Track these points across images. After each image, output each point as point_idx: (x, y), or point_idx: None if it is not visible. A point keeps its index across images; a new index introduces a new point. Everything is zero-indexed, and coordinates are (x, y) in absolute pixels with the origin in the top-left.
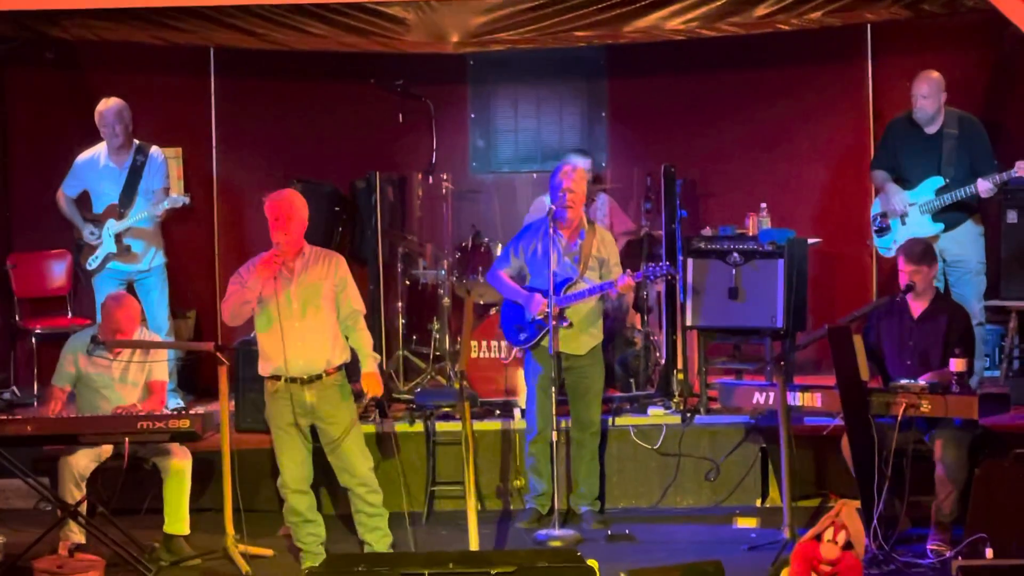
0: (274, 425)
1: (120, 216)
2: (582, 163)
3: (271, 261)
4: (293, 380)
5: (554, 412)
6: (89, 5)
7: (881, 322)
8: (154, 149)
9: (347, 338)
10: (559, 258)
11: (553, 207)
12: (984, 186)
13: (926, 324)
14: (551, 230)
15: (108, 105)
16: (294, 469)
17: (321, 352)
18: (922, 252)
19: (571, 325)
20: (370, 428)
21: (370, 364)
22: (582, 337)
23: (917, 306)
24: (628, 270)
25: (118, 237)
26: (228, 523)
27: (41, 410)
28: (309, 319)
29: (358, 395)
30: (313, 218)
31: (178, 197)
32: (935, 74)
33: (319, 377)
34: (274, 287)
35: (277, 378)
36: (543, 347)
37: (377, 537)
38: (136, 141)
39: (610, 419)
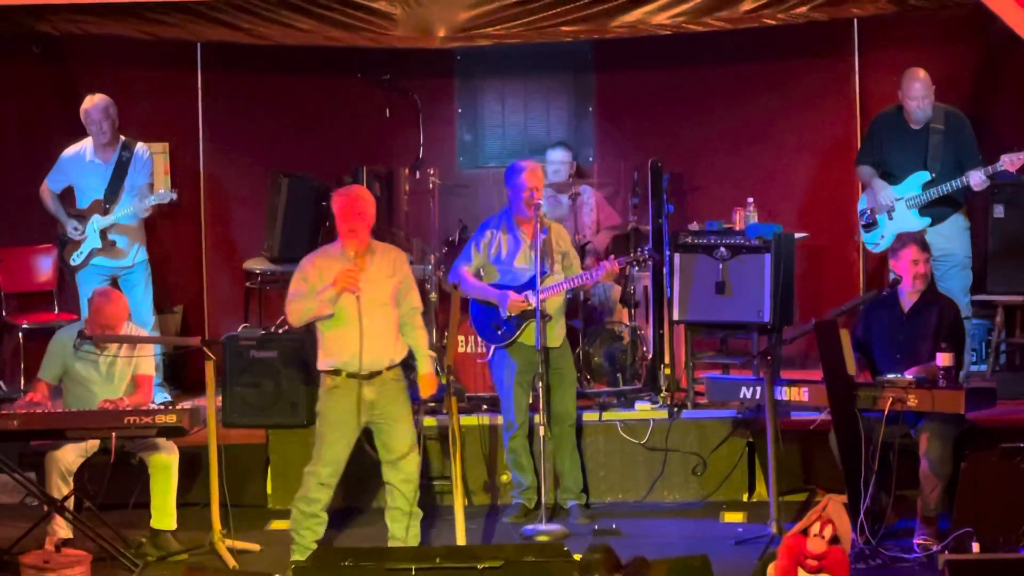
0: (326, 419)
1: (105, 212)
2: (564, 156)
3: (349, 283)
4: (353, 376)
5: (528, 407)
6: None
7: (871, 316)
8: (140, 145)
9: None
10: (524, 254)
11: (530, 204)
12: (977, 179)
13: (917, 318)
14: (516, 229)
15: (94, 102)
16: (332, 463)
17: (385, 349)
18: (924, 241)
19: (550, 319)
20: None
21: (427, 364)
22: (555, 330)
23: (908, 300)
24: (612, 255)
25: (103, 233)
26: (215, 518)
27: (22, 398)
28: (376, 316)
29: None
30: (300, 213)
31: (165, 193)
32: (923, 72)
33: (379, 373)
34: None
35: (338, 373)
36: (519, 343)
37: (413, 536)
38: (122, 137)
39: (598, 414)
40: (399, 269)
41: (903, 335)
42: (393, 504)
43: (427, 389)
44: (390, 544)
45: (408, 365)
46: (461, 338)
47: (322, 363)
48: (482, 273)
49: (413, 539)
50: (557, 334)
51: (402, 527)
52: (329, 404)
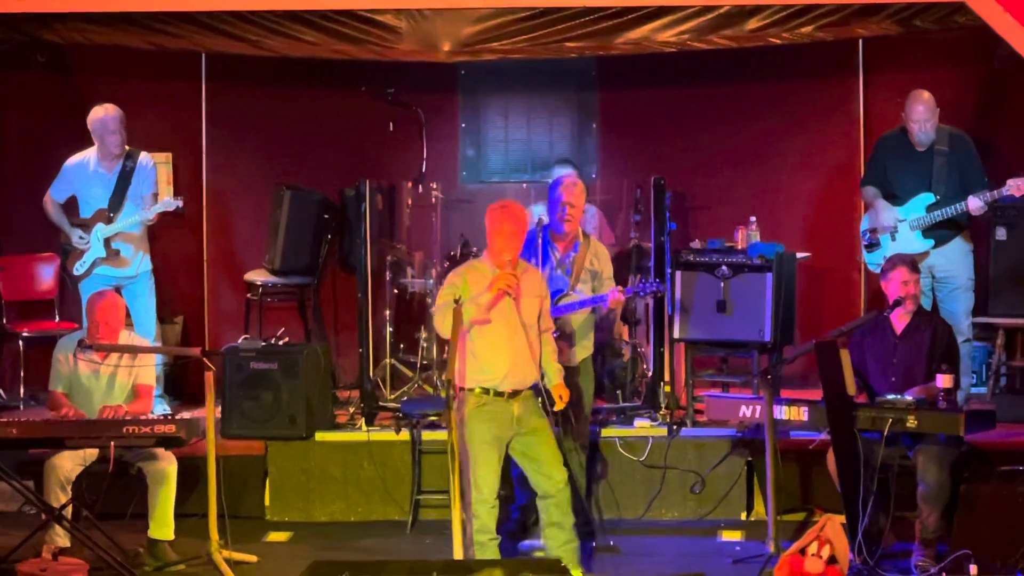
0: (476, 440)
1: (109, 221)
2: (570, 174)
3: (508, 284)
4: (501, 394)
5: None
6: (81, 9)
7: (864, 339)
8: (143, 155)
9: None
10: (551, 270)
11: (544, 219)
12: (975, 204)
13: (910, 340)
14: (541, 241)
15: (110, 112)
16: (493, 483)
17: (531, 367)
18: (915, 262)
19: (559, 335)
20: (362, 436)
21: (557, 376)
22: (574, 348)
23: (900, 322)
24: (618, 286)
25: (107, 241)
26: (212, 529)
27: (51, 415)
28: (527, 334)
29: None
30: (302, 226)
31: (170, 200)
32: (927, 94)
33: (522, 392)
34: (509, 298)
35: (486, 391)
36: None
37: (568, 551)
38: (126, 147)
39: (598, 430)
40: (542, 287)
41: (896, 357)
42: (548, 520)
43: (564, 398)
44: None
45: None
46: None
47: (470, 381)
48: None
49: (568, 555)
50: (575, 353)
51: (558, 544)
52: (480, 423)
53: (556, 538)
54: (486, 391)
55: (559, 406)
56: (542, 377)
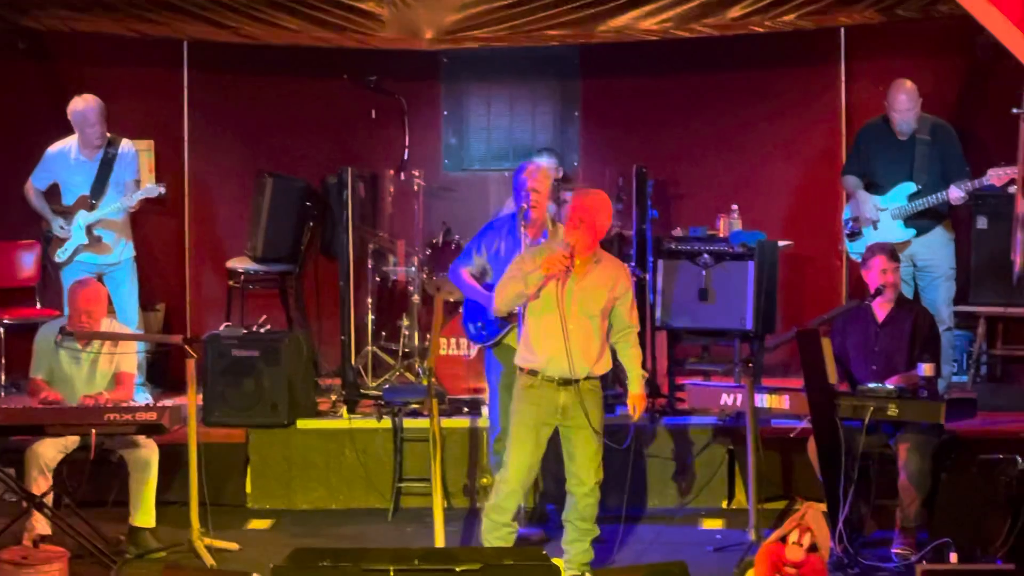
0: (518, 421)
1: (91, 208)
2: (549, 162)
3: (558, 262)
4: (550, 380)
5: None
6: None
7: (846, 328)
8: (124, 142)
9: (616, 351)
10: None
11: (523, 206)
12: (956, 194)
13: (891, 328)
14: (520, 229)
15: (90, 104)
16: (522, 469)
17: (583, 359)
18: (894, 251)
19: None
20: (344, 423)
21: (638, 385)
22: None
23: (881, 311)
24: None
25: (88, 228)
26: (194, 516)
27: (30, 402)
28: (581, 323)
29: None
30: (284, 213)
31: (152, 187)
32: (909, 83)
33: (576, 382)
34: (558, 283)
35: (535, 374)
36: (505, 344)
37: (578, 551)
38: (108, 135)
39: None
40: (619, 285)
41: (878, 345)
42: (567, 517)
43: (638, 410)
44: (565, 558)
45: None
46: (443, 340)
47: (521, 360)
48: (487, 271)
49: (578, 555)
50: None
51: (570, 541)
52: (524, 404)
53: (569, 534)
54: (534, 373)
55: (634, 417)
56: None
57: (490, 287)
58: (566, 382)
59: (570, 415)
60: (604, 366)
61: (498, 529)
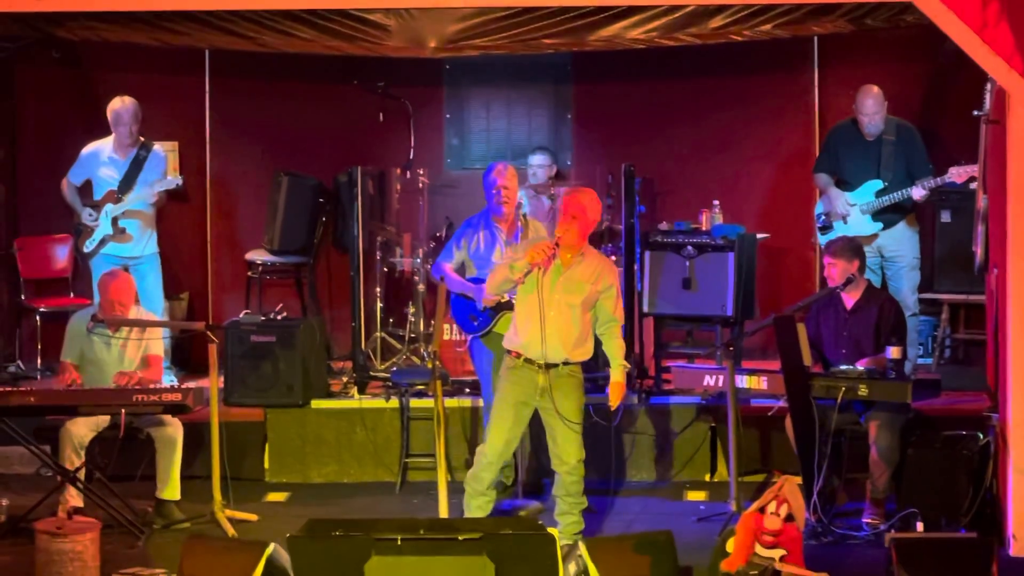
0: (501, 395)
1: (117, 200)
2: (544, 160)
3: (541, 252)
4: (530, 362)
5: None
6: (92, 8)
7: (820, 314)
8: (156, 146)
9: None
10: (501, 250)
11: (500, 202)
12: (919, 192)
13: (859, 315)
14: (493, 226)
15: (126, 105)
16: (499, 444)
17: (560, 347)
18: (840, 247)
19: None
20: (354, 403)
21: (619, 374)
22: None
23: (850, 298)
24: None
25: (114, 220)
26: (216, 490)
27: (55, 382)
28: (561, 311)
29: None
30: (299, 209)
31: (171, 179)
32: (876, 89)
33: (555, 366)
34: (541, 271)
35: (517, 355)
36: (495, 333)
37: (568, 522)
38: (141, 138)
39: None
40: (603, 279)
41: (847, 331)
42: (555, 492)
43: (616, 397)
44: (560, 531)
45: None
46: (446, 326)
47: (508, 342)
48: (467, 267)
49: (569, 526)
50: None
51: (559, 513)
52: (507, 382)
53: (559, 507)
54: (517, 355)
55: (612, 405)
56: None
57: (475, 280)
58: (548, 366)
59: (550, 396)
60: (584, 354)
61: (476, 497)
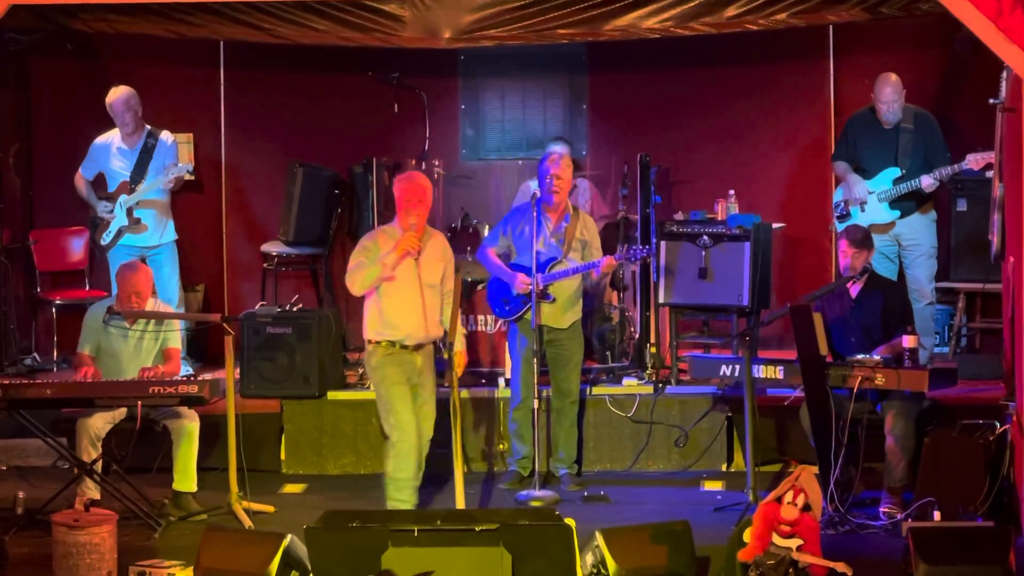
0: (389, 383)
1: (131, 191)
2: (562, 149)
3: (411, 245)
4: (406, 347)
5: (536, 382)
6: (107, 0)
7: (825, 304)
8: (164, 133)
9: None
10: (545, 239)
11: (538, 192)
12: (927, 181)
13: (864, 303)
14: (535, 213)
15: (116, 96)
16: (412, 420)
17: (433, 325)
18: (861, 238)
19: (554, 300)
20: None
21: (461, 342)
22: (565, 313)
23: (854, 288)
24: (612, 253)
25: (129, 210)
26: (232, 481)
27: (73, 374)
28: (429, 294)
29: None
30: (314, 200)
31: (183, 166)
32: (894, 77)
33: (424, 346)
34: (415, 260)
35: (392, 344)
36: (527, 320)
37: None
38: (148, 126)
39: (588, 388)
40: (446, 254)
41: (854, 319)
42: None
43: (461, 364)
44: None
45: None
46: (463, 317)
47: (376, 334)
48: (512, 252)
49: (397, 500)
50: (565, 317)
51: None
52: (387, 370)
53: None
54: (392, 344)
55: (458, 372)
56: (444, 336)
57: (515, 267)
58: (419, 347)
59: (423, 375)
60: (440, 328)
61: (400, 491)
